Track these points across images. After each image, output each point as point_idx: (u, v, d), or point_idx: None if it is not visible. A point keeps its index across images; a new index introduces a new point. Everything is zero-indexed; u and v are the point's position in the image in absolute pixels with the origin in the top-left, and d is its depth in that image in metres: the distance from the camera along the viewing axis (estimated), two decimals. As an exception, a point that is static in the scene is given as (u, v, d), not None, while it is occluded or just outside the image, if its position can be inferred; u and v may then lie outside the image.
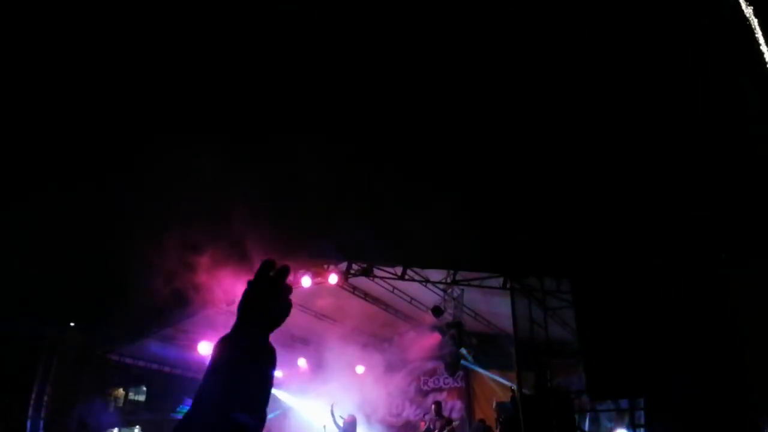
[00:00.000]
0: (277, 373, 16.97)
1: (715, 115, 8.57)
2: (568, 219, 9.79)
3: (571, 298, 10.33)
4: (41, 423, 12.92)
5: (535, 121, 9.77)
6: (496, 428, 12.40)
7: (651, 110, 9.05)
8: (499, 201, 10.30)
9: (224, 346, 1.47)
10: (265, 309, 1.56)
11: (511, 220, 10.23)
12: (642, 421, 10.89)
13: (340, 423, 13.23)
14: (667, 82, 8.81)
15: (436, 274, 12.48)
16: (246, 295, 1.58)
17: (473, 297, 13.32)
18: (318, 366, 17.19)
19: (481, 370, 15.94)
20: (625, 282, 9.33)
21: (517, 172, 10.12)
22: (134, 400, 21.03)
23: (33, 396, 12.85)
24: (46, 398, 13.16)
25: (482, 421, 13.63)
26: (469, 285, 12.34)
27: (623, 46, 8.83)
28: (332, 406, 13.66)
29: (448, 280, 12.47)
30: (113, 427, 19.05)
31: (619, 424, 12.39)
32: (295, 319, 15.21)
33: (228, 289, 12.41)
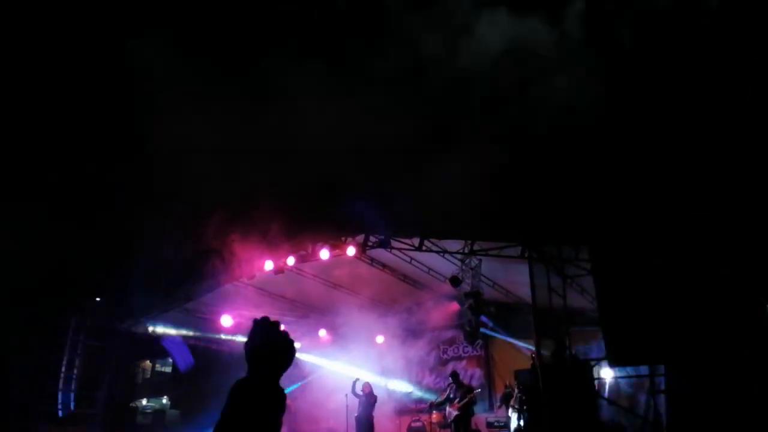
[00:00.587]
0: (297, 344, 17.30)
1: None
2: (585, 185, 9.69)
3: (589, 266, 10.30)
4: (72, 396, 13.33)
5: (554, 86, 9.61)
6: (516, 396, 12.52)
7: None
8: (516, 169, 10.21)
9: (239, 395, 1.59)
10: (269, 357, 1.68)
11: (527, 188, 10.16)
12: (662, 388, 10.93)
13: (361, 394, 13.48)
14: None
15: (453, 245, 12.49)
16: (249, 346, 1.69)
17: (491, 266, 13.33)
18: (338, 336, 17.46)
19: (500, 338, 16.06)
20: (644, 247, 9.27)
21: (533, 140, 10.00)
22: (161, 371, 21.64)
23: (63, 370, 13.24)
24: (75, 372, 13.55)
25: (509, 386, 13.77)
26: (486, 255, 12.34)
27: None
28: (355, 381, 13.91)
29: (466, 251, 12.47)
30: (142, 398, 19.65)
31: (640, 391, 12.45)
32: (315, 290, 15.46)
33: (247, 263, 12.57)
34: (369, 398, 13.22)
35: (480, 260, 12.96)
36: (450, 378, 13.84)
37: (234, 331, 15.56)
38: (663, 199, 9.10)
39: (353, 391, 13.66)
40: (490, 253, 12.14)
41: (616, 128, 9.28)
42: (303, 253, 13.07)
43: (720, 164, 8.80)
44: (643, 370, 11.01)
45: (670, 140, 9.10)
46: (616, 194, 9.42)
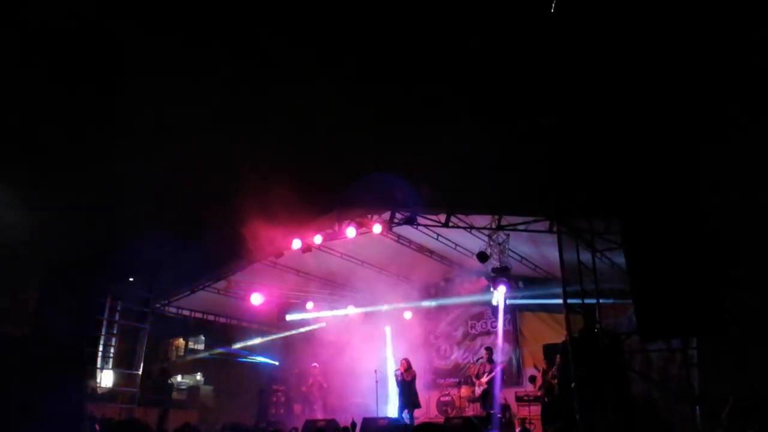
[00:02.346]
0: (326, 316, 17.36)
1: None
2: (616, 156, 9.47)
3: (619, 240, 10.12)
4: (111, 373, 13.76)
5: (576, 53, 9.33)
6: (546, 369, 12.46)
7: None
8: (543, 141, 10.00)
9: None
10: None
11: (555, 160, 9.96)
12: (695, 361, 10.78)
13: (398, 373, 13.58)
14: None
15: (480, 220, 12.40)
16: None
17: (519, 240, 13.23)
18: (367, 312, 17.62)
19: (528, 312, 16.01)
20: (677, 219, 9.06)
21: (558, 107, 9.74)
22: (194, 348, 22.13)
23: (100, 349, 13.64)
24: (113, 350, 13.95)
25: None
26: (514, 229, 12.22)
27: None
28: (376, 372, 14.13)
29: (493, 226, 12.37)
30: (177, 374, 20.15)
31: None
32: (341, 267, 15.56)
33: (275, 242, 12.70)
34: (405, 375, 13.34)
35: (508, 235, 12.86)
36: (484, 354, 13.96)
37: (263, 310, 15.80)
38: (696, 168, 8.87)
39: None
40: (518, 227, 12.03)
41: (646, 96, 9.01)
42: (330, 231, 13.15)
43: (753, 132, 8.52)
44: (676, 343, 10.86)
45: (704, 110, 8.81)
46: (649, 164, 9.19)
